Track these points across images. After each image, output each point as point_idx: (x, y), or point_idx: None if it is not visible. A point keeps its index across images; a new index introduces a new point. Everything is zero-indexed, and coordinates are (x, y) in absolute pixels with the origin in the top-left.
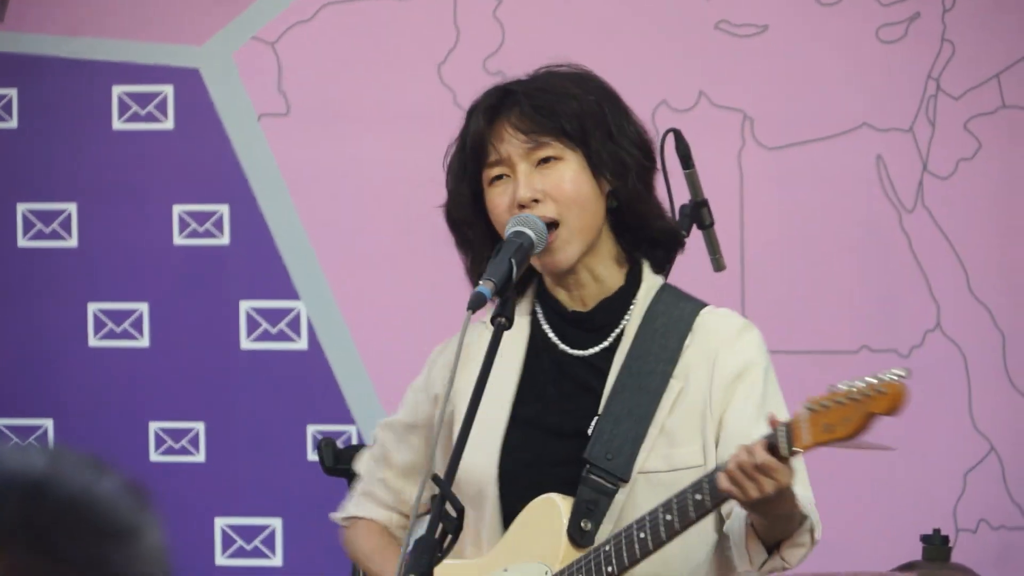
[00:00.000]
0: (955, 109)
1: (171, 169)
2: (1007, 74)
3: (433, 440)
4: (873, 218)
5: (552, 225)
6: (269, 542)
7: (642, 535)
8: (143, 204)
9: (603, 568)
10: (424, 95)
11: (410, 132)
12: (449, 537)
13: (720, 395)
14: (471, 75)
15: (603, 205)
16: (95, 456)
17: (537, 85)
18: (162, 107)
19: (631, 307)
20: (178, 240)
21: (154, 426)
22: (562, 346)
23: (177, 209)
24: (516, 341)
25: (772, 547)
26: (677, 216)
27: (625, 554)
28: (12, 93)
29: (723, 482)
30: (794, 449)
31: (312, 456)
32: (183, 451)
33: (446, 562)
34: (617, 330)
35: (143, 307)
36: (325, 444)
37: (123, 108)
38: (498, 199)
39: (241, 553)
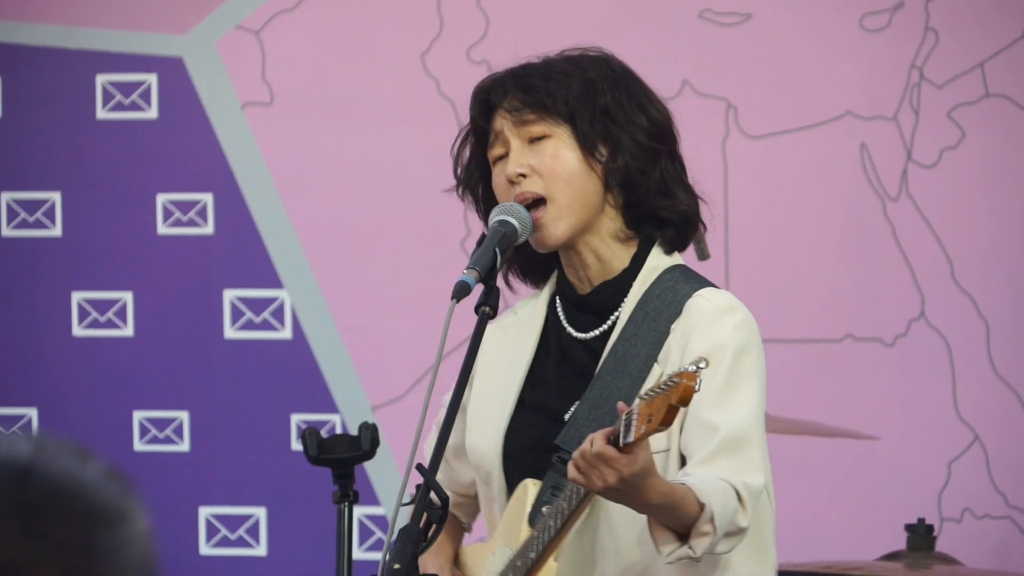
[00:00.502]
0: (939, 98)
1: (155, 158)
2: (991, 63)
3: (419, 420)
4: (857, 207)
5: (540, 201)
6: (253, 531)
7: (551, 521)
8: (127, 193)
9: (527, 554)
10: (408, 84)
11: (394, 121)
12: (434, 527)
13: None
14: (455, 64)
15: (597, 182)
16: (77, 443)
17: (531, 68)
18: (146, 96)
19: (630, 289)
20: (162, 229)
21: (138, 415)
22: (568, 329)
23: (161, 198)
24: (533, 324)
25: (682, 535)
26: None
27: (539, 540)
28: None
29: (570, 471)
30: (630, 440)
31: (296, 445)
32: (167, 440)
33: (470, 545)
34: (616, 313)
35: (127, 296)
36: (309, 433)
37: (107, 97)
38: (498, 178)
39: (225, 543)
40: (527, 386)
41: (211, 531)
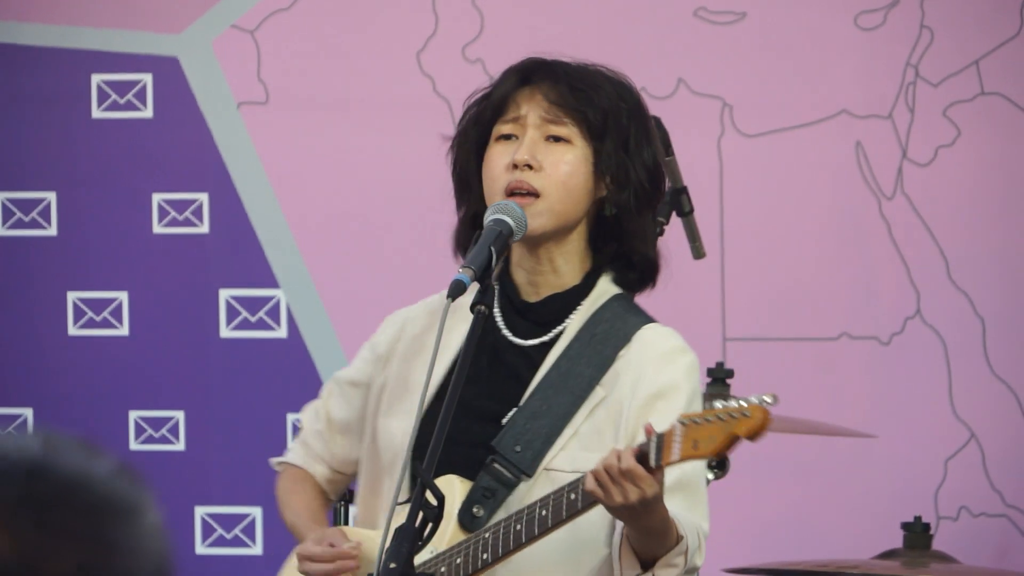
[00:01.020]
0: (934, 96)
1: (150, 158)
2: (986, 61)
3: (416, 418)
4: (852, 205)
5: (533, 194)
6: (249, 531)
7: (518, 527)
8: (122, 193)
9: (479, 555)
10: (403, 83)
11: (389, 120)
12: (430, 525)
13: (637, 410)
14: (450, 63)
15: (588, 204)
16: (85, 439)
17: (579, 69)
18: (141, 96)
19: (578, 307)
20: (157, 229)
21: (134, 415)
22: (504, 331)
23: (156, 198)
24: (465, 320)
25: (648, 564)
26: None
27: (501, 544)
28: None
29: (589, 482)
30: (661, 462)
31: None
32: (163, 440)
33: (361, 530)
34: (560, 327)
35: (123, 296)
36: None
37: (102, 97)
38: (498, 156)
39: (221, 542)
40: (450, 379)
41: (207, 530)
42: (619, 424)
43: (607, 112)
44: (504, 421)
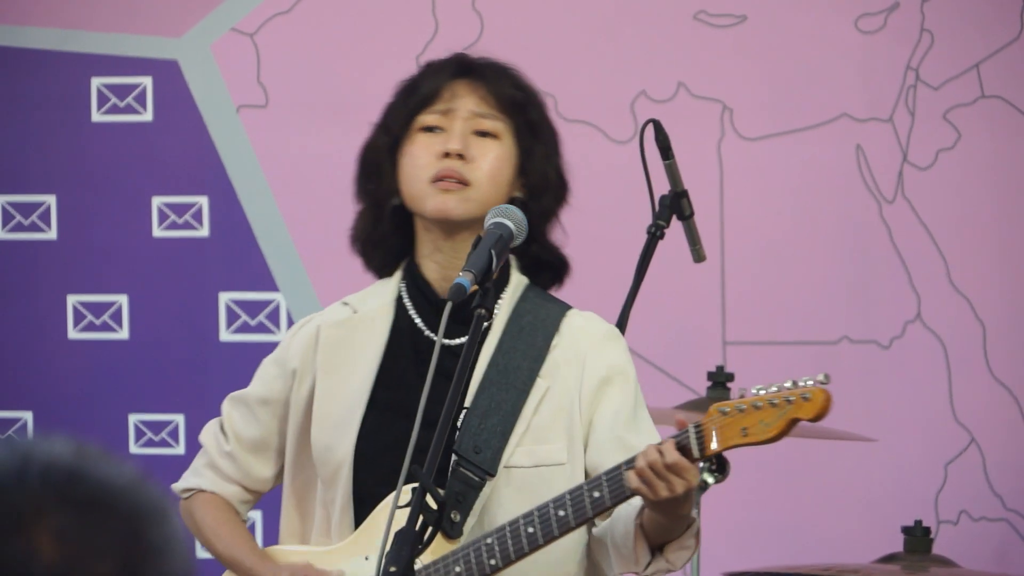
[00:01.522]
0: (935, 99)
1: (150, 161)
2: (986, 64)
3: (416, 422)
4: (853, 209)
5: (463, 183)
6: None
7: (530, 529)
8: (122, 196)
9: (485, 560)
10: None
11: None
12: (429, 529)
13: (589, 397)
14: None
15: (503, 200)
16: (101, 446)
17: (513, 70)
18: (141, 99)
19: (499, 302)
20: (157, 232)
21: (134, 418)
22: (427, 332)
23: (156, 201)
24: (379, 322)
25: (655, 548)
26: (657, 207)
27: (512, 547)
28: None
29: (633, 481)
30: (704, 452)
31: None
32: (163, 443)
33: (298, 548)
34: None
35: (122, 299)
36: None
37: (102, 100)
38: (423, 146)
39: None
40: (378, 386)
41: None
42: (571, 414)
43: (541, 117)
44: (458, 423)
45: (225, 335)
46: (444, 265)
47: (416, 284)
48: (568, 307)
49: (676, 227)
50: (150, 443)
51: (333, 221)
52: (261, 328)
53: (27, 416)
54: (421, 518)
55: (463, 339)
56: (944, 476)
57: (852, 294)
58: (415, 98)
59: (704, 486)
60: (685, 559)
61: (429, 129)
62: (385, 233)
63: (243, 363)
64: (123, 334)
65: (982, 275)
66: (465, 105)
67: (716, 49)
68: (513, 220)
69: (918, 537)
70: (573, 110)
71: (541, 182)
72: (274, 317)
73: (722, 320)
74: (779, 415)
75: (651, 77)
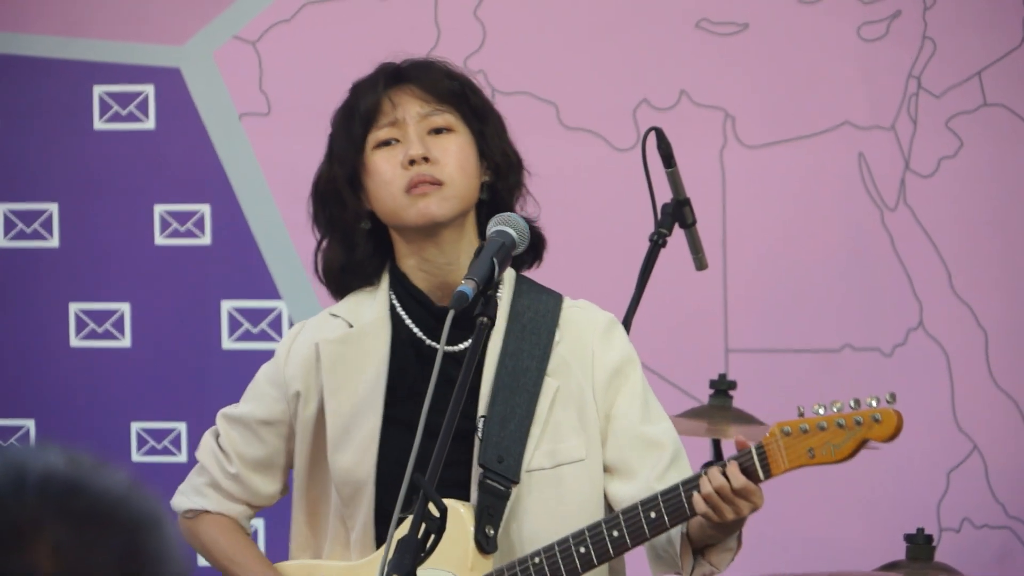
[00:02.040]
0: (937, 107)
1: (152, 169)
2: (989, 72)
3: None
4: (855, 217)
5: (436, 184)
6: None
7: (582, 549)
8: (124, 204)
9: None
10: None
11: None
12: (432, 537)
13: (603, 391)
14: None
15: (478, 185)
16: (94, 454)
17: (439, 62)
18: (143, 107)
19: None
20: (159, 240)
21: (136, 426)
22: (428, 341)
23: (158, 209)
24: (378, 337)
25: (697, 552)
26: (659, 215)
27: (564, 569)
28: None
29: (700, 506)
30: (771, 474)
31: None
32: (165, 451)
33: (321, 563)
34: None
35: (125, 307)
36: None
37: (104, 108)
38: (385, 161)
39: None
40: (389, 400)
41: None
42: (586, 409)
43: (481, 100)
44: (479, 435)
45: (227, 343)
46: (433, 272)
47: (409, 293)
48: (561, 297)
49: (678, 235)
50: (152, 451)
51: None
52: (263, 336)
53: (29, 424)
54: (423, 526)
55: (465, 344)
56: (946, 484)
57: (854, 302)
58: (358, 120)
59: None
60: (728, 561)
61: (384, 144)
62: (361, 258)
63: (245, 371)
64: (125, 342)
65: (984, 283)
66: (410, 110)
67: (718, 57)
68: (515, 228)
69: (920, 545)
70: (575, 118)
71: (503, 160)
72: (276, 325)
73: (724, 328)
74: (848, 436)
75: (653, 85)
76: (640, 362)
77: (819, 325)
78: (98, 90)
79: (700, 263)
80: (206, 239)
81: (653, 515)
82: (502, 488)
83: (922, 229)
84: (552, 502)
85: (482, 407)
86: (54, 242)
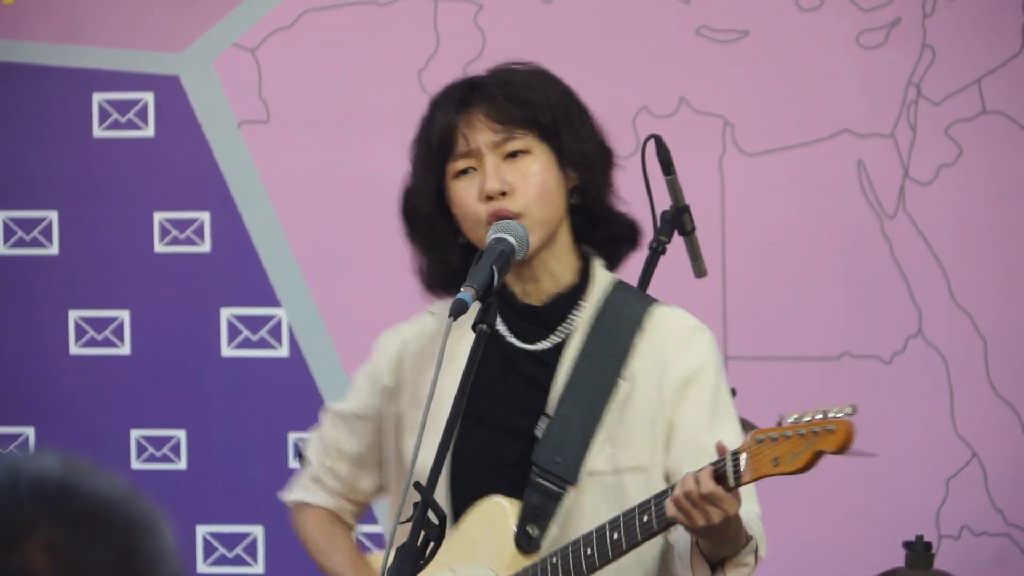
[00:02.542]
0: (936, 115)
1: (152, 176)
2: (988, 79)
3: (417, 442)
4: (854, 224)
5: (515, 216)
6: (251, 550)
7: (588, 551)
8: (124, 211)
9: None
10: (405, 101)
11: (391, 138)
12: (431, 544)
13: (671, 399)
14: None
15: (565, 199)
16: (89, 459)
17: (505, 79)
18: (142, 114)
19: (582, 303)
20: (159, 247)
21: (135, 434)
22: (510, 339)
23: (158, 216)
24: (467, 335)
25: (715, 564)
26: (658, 222)
27: (573, 569)
28: None
29: (670, 509)
30: (740, 481)
31: (293, 463)
32: (164, 459)
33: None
34: (568, 326)
35: (124, 315)
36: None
37: (103, 115)
38: (464, 192)
39: (223, 561)
40: (469, 399)
41: (208, 549)
42: (653, 417)
43: (551, 107)
44: (539, 434)
45: (227, 350)
46: (524, 278)
47: (501, 294)
48: (654, 301)
49: (677, 242)
50: (152, 458)
51: (335, 236)
52: (263, 343)
53: (28, 431)
54: (423, 533)
55: (547, 343)
56: (945, 491)
57: (853, 309)
58: (434, 147)
59: None
60: (743, 575)
61: (463, 172)
62: (457, 267)
63: (244, 378)
64: (124, 349)
65: (983, 290)
66: (483, 139)
67: (718, 64)
68: (514, 235)
69: (919, 552)
70: None
71: (585, 163)
72: (276, 332)
73: (723, 335)
74: (805, 446)
75: (653, 92)
76: (717, 371)
77: (818, 332)
78: (97, 97)
79: (699, 270)
80: (205, 247)
81: (645, 518)
82: (555, 488)
83: (921, 237)
84: (610, 508)
85: (550, 407)
86: (54, 250)
